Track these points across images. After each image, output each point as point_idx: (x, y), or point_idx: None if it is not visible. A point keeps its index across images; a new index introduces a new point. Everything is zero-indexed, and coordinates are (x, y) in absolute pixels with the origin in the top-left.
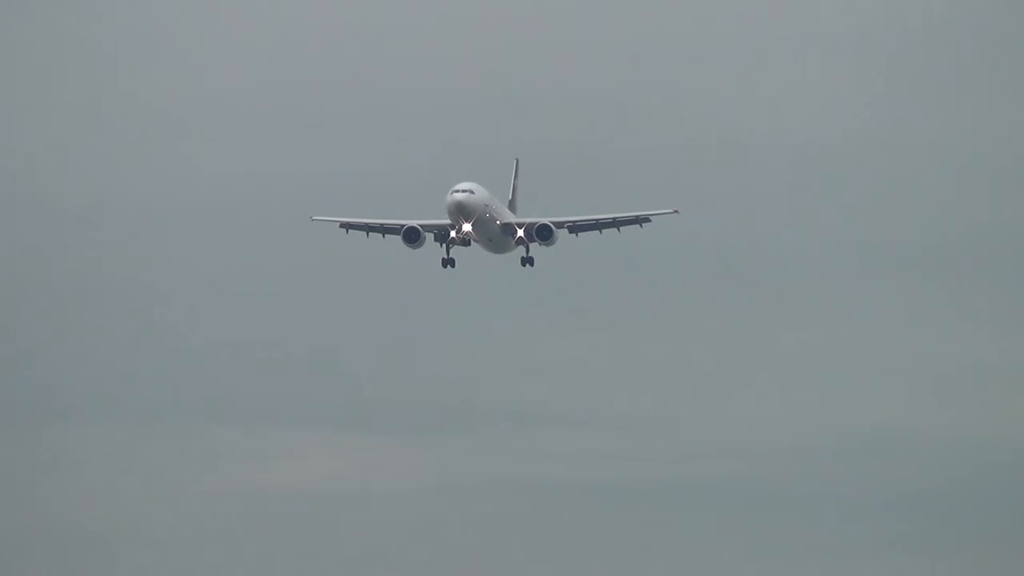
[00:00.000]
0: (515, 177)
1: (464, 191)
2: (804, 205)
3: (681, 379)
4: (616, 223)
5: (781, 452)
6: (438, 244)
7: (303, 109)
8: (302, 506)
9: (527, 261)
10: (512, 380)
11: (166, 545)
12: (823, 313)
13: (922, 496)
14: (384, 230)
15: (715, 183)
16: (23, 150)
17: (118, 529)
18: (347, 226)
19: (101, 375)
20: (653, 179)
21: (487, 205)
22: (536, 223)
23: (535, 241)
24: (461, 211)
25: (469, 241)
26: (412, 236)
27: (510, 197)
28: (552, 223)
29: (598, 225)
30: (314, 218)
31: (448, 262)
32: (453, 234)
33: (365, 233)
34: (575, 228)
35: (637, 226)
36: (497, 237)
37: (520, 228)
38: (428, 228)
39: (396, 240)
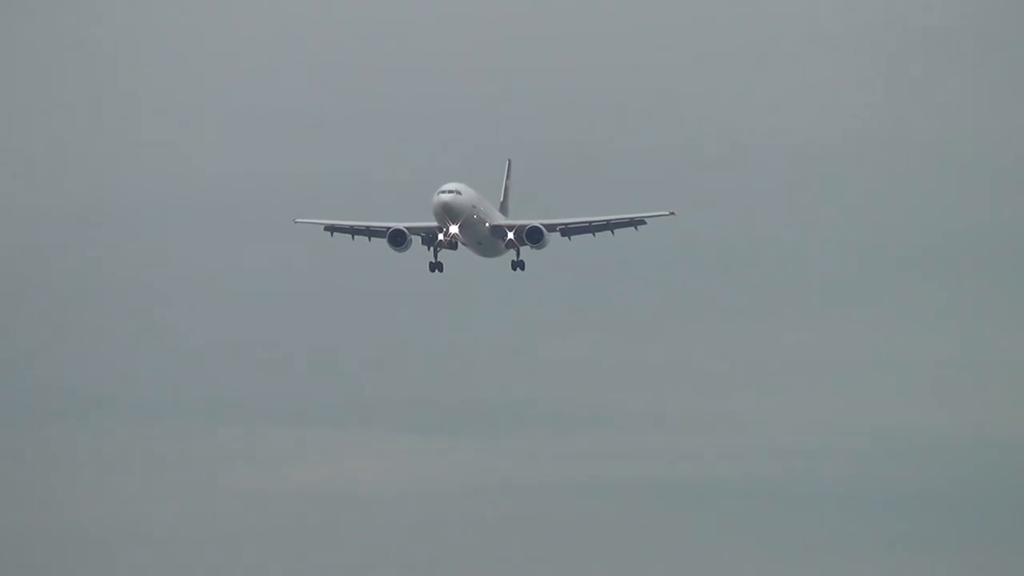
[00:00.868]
0: (506, 178)
1: (450, 191)
2: (804, 205)
3: (691, 381)
4: (610, 225)
5: (806, 452)
6: (426, 248)
7: (298, 110)
8: (338, 507)
9: (518, 265)
10: (542, 380)
11: (203, 546)
12: (832, 312)
13: (947, 495)
14: (370, 233)
15: (712, 184)
16: (21, 150)
17: (159, 531)
18: (331, 228)
19: (127, 375)
20: (648, 181)
21: (475, 206)
22: (526, 225)
23: (526, 244)
24: (447, 212)
25: (457, 244)
26: (398, 239)
27: (501, 199)
28: (543, 225)
29: (592, 228)
30: (297, 220)
31: (436, 266)
32: (441, 237)
33: (350, 236)
34: (568, 231)
35: (632, 229)
36: (486, 240)
37: (510, 231)
38: (415, 231)
39: (382, 243)
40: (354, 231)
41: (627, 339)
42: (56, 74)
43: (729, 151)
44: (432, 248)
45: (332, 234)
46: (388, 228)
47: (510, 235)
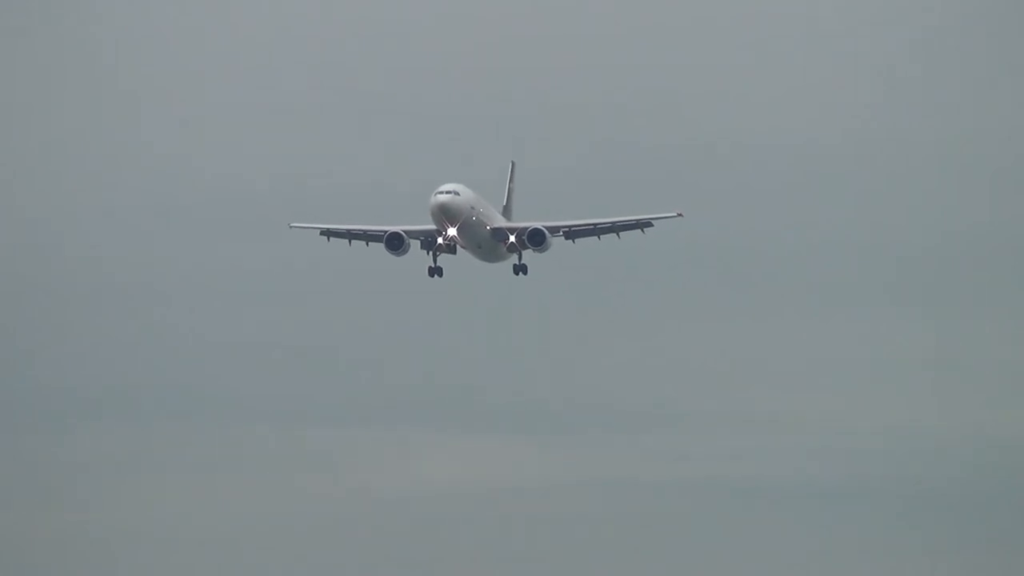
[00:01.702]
0: (510, 180)
1: (448, 192)
2: (816, 204)
3: (727, 381)
4: (616, 228)
5: (855, 452)
6: (425, 252)
7: (296, 111)
8: (421, 507)
9: (520, 269)
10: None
11: (295, 546)
12: (858, 309)
13: (981, 493)
14: (367, 237)
15: (720, 185)
16: (19, 151)
17: (257, 530)
18: (327, 233)
19: (185, 376)
20: (654, 181)
21: (473, 207)
22: (528, 228)
23: (528, 248)
24: (445, 213)
25: (456, 248)
26: (395, 243)
27: (504, 202)
28: (545, 227)
29: (596, 230)
30: (292, 225)
31: (435, 271)
32: (440, 240)
33: (347, 241)
34: (571, 233)
35: (638, 231)
36: (487, 243)
37: (512, 233)
38: (413, 234)
39: (381, 248)
40: (351, 235)
41: (659, 341)
42: (54, 75)
43: (735, 151)
44: (431, 252)
45: (328, 239)
46: (385, 232)
47: (511, 238)
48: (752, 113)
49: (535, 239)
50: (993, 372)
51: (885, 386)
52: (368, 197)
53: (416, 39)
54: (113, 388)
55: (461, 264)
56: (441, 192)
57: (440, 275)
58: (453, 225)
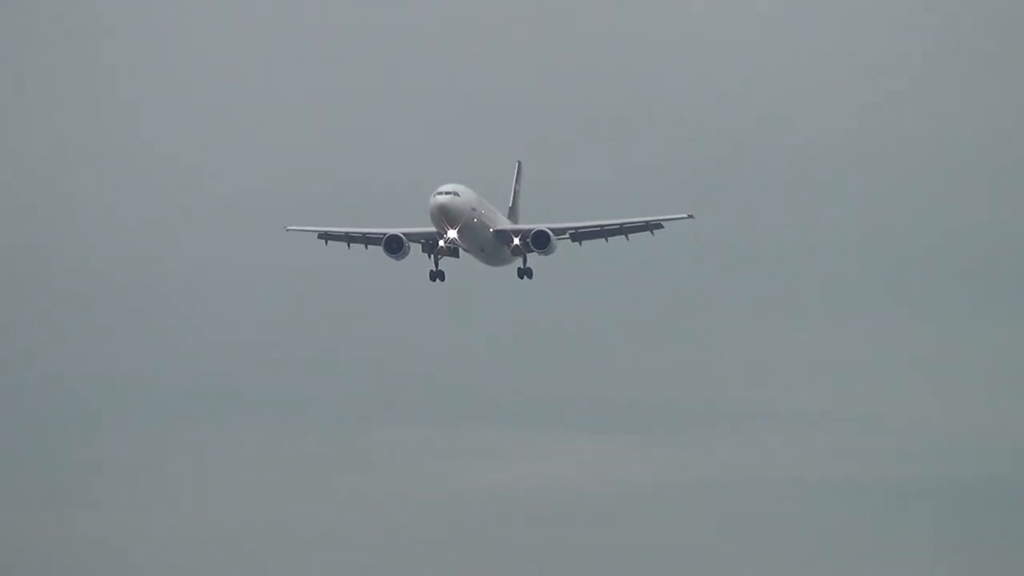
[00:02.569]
0: (516, 181)
1: (447, 193)
2: (838, 204)
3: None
4: (624, 230)
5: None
6: (427, 256)
7: (298, 112)
8: (524, 507)
9: (524, 273)
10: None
11: (381, 548)
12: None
13: None
14: (366, 240)
15: (732, 185)
16: (17, 153)
17: (354, 529)
18: (326, 236)
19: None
20: (665, 182)
21: (474, 209)
22: (531, 230)
23: (532, 250)
24: (444, 215)
25: (458, 251)
26: (394, 245)
27: (510, 203)
28: (550, 229)
29: (604, 232)
30: (289, 228)
31: (437, 275)
32: (441, 243)
33: (346, 244)
34: (578, 235)
35: (648, 233)
36: (490, 246)
37: (516, 236)
38: (413, 237)
39: (381, 251)
40: (349, 238)
41: (669, 345)
42: (54, 75)
43: (746, 152)
44: (432, 255)
45: (327, 242)
46: (384, 234)
47: (516, 240)
48: (766, 112)
49: (539, 241)
50: None
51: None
52: (370, 199)
53: (420, 38)
54: (132, 387)
55: (464, 268)
56: (440, 193)
57: (442, 279)
58: (453, 227)
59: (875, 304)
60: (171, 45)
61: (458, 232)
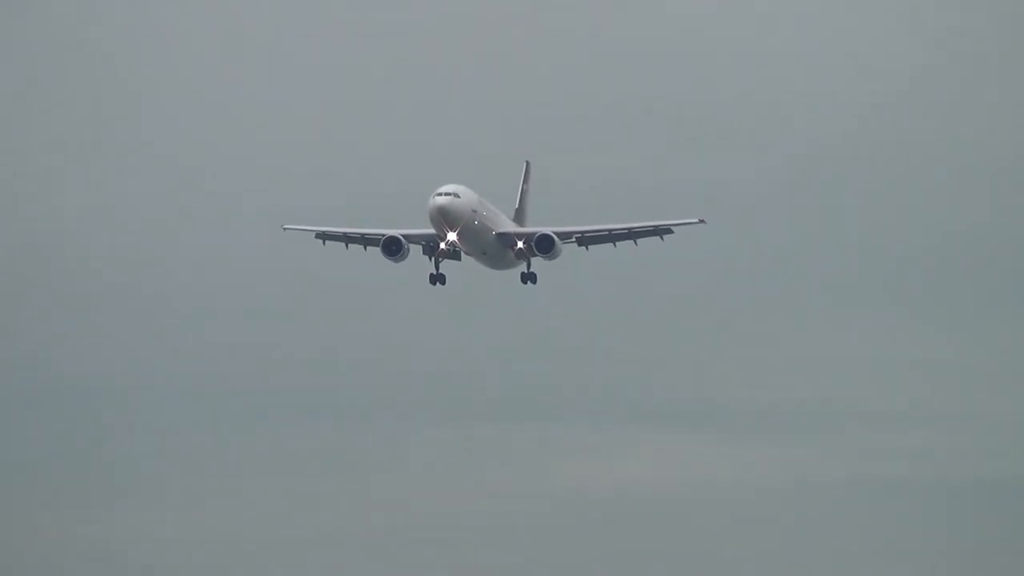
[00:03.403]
0: (524, 181)
1: (447, 194)
2: (854, 207)
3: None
4: (633, 234)
5: None
6: (427, 258)
7: (300, 112)
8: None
9: (528, 278)
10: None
11: (499, 543)
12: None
13: None
14: (364, 241)
15: (745, 190)
16: (14, 154)
17: (463, 528)
18: (323, 236)
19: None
20: (676, 187)
21: (475, 211)
22: (535, 233)
23: (536, 255)
24: (444, 217)
25: (460, 254)
26: (392, 247)
27: (517, 205)
28: (555, 233)
29: (612, 237)
30: (286, 227)
31: (437, 278)
32: (442, 246)
33: (344, 244)
34: (585, 240)
35: (657, 238)
36: (492, 249)
37: (519, 239)
38: (413, 239)
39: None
40: (348, 239)
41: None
42: (51, 74)
43: (759, 154)
44: (433, 258)
45: (324, 242)
46: (382, 235)
47: (519, 244)
48: (779, 112)
49: (543, 245)
50: None
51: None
52: (372, 199)
53: (427, 36)
54: (130, 388)
55: (467, 271)
56: (439, 194)
57: (443, 283)
58: (453, 229)
59: (919, 303)
60: (172, 43)
61: (458, 235)
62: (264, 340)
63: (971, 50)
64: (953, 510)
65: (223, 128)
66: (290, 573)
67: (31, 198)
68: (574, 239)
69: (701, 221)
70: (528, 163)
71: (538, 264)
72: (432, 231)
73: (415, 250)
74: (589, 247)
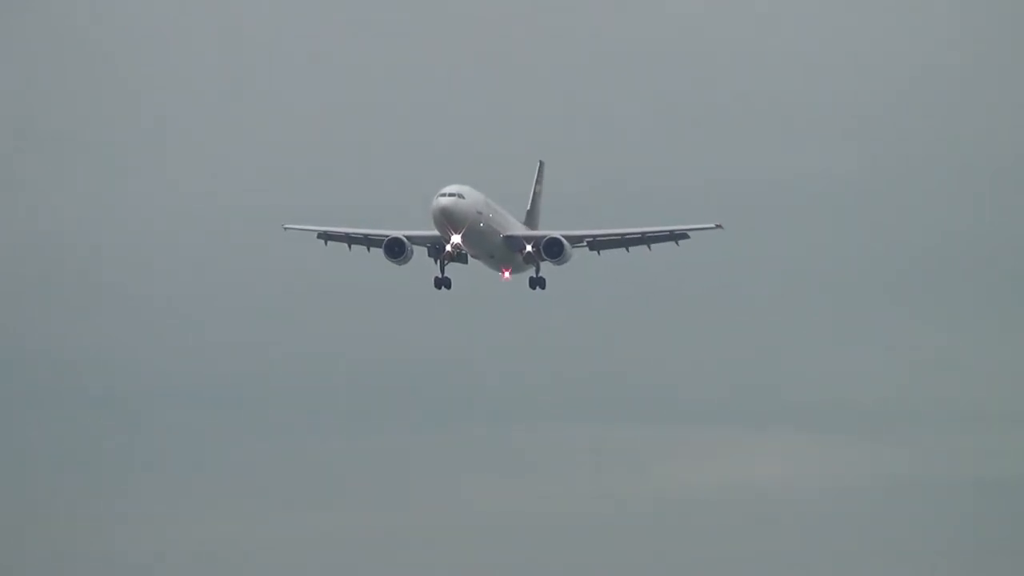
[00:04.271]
0: (536, 182)
1: (450, 195)
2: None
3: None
4: (646, 239)
5: None
6: (433, 261)
7: (297, 112)
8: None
9: (537, 283)
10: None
11: (627, 544)
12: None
13: None
14: (367, 241)
15: (763, 195)
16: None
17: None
18: (325, 236)
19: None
20: (692, 190)
21: (481, 213)
22: (544, 237)
23: (545, 259)
24: (448, 219)
25: (466, 257)
26: (395, 249)
27: (528, 206)
28: (565, 237)
29: (624, 241)
30: (287, 226)
31: (442, 282)
32: (448, 248)
33: (347, 245)
34: (596, 244)
35: (672, 243)
36: (500, 252)
37: (528, 243)
38: (417, 240)
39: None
40: (350, 239)
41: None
42: (50, 76)
43: (777, 157)
44: (439, 261)
45: (326, 243)
46: (385, 236)
47: (528, 247)
48: (773, 117)
49: (551, 250)
50: None
51: None
52: (378, 200)
53: (431, 34)
54: (129, 387)
55: (473, 275)
56: (443, 195)
57: (448, 287)
58: (457, 232)
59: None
60: (171, 45)
61: (463, 237)
62: (255, 342)
63: (970, 51)
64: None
65: (223, 128)
66: (291, 573)
67: (29, 198)
68: (585, 243)
69: (718, 226)
70: (542, 163)
71: (547, 269)
72: (437, 233)
73: (420, 252)
74: (601, 252)
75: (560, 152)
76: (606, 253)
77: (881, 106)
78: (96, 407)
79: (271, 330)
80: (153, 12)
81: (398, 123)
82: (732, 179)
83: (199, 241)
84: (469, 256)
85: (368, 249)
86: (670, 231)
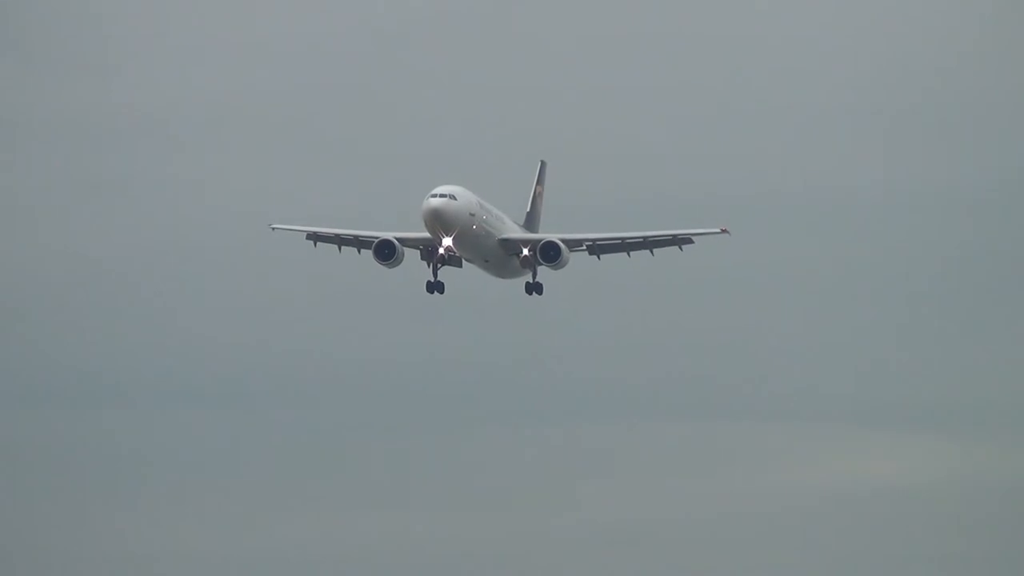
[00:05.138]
0: (537, 182)
1: (442, 196)
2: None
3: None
4: (649, 243)
5: None
6: (426, 264)
7: (298, 111)
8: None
9: (533, 288)
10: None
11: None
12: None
13: None
14: (358, 243)
15: (770, 199)
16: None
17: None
18: (314, 238)
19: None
20: (696, 194)
21: (474, 215)
22: (540, 240)
23: (542, 263)
24: (438, 221)
25: (461, 261)
26: (385, 251)
27: (528, 208)
28: (562, 241)
29: (626, 246)
30: (274, 227)
31: (435, 286)
32: (441, 251)
33: (336, 247)
34: (596, 248)
35: (676, 248)
36: (495, 256)
37: (525, 246)
38: (408, 243)
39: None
40: (340, 241)
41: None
42: (48, 76)
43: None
44: (431, 264)
45: (315, 244)
46: (375, 238)
47: (524, 251)
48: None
49: (548, 254)
50: None
51: None
52: (379, 199)
53: (432, 33)
54: (127, 388)
55: (467, 279)
56: (434, 195)
57: (440, 291)
58: (448, 234)
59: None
60: (171, 45)
61: (455, 240)
62: (235, 343)
63: (971, 50)
64: None
65: (223, 127)
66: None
67: (27, 197)
68: (584, 247)
69: (724, 231)
70: (543, 163)
71: (544, 273)
72: (428, 235)
73: (412, 255)
74: (601, 256)
75: (560, 152)
76: (606, 258)
77: (892, 113)
78: (85, 407)
79: (253, 333)
80: (153, 10)
81: (398, 123)
82: (739, 183)
83: (188, 242)
84: (463, 260)
85: (358, 251)
86: (673, 235)
